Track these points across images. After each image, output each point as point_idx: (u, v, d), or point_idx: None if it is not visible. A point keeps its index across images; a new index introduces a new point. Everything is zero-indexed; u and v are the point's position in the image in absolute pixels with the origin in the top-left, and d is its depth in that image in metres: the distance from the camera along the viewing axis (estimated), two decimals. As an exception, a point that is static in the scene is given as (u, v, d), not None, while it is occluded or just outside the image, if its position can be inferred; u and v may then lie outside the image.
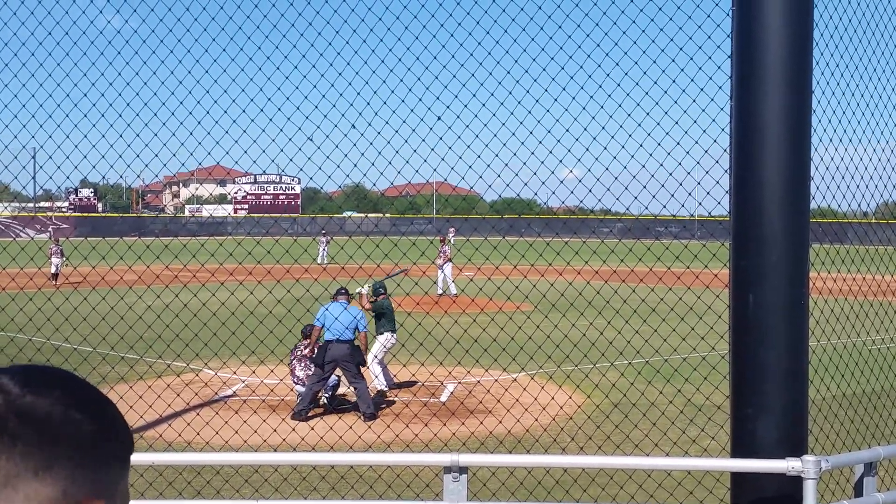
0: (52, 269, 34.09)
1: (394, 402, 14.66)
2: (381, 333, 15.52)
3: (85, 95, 7.66)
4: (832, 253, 8.94)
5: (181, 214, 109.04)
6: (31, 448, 1.14)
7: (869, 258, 8.12)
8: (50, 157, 7.87)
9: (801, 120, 4.76)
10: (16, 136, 8.23)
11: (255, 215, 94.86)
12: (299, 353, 13.93)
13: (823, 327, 8.20)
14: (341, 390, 14.30)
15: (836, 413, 7.74)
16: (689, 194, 7.10)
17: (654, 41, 6.54)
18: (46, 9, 7.37)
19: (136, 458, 5.48)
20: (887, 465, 6.34)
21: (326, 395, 13.89)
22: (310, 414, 13.26)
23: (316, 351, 13.65)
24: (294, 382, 14.02)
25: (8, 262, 7.98)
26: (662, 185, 6.86)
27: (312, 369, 13.47)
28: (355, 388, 13.59)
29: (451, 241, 37.41)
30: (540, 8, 6.80)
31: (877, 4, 6.35)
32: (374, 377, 15.20)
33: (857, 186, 6.67)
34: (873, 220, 9.73)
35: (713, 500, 8.15)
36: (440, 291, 31.29)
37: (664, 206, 7.21)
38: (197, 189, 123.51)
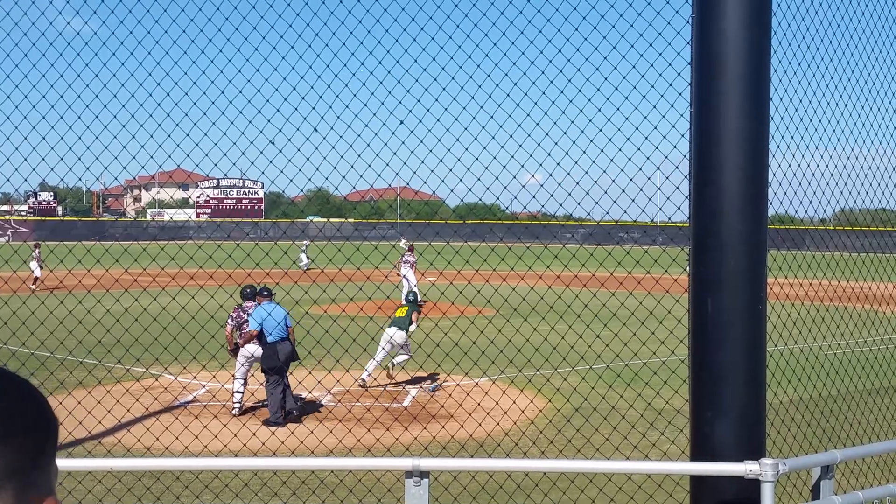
0: (36, 274, 33.98)
1: (349, 408, 14.63)
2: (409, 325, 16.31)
3: (44, 97, 7.57)
4: (790, 258, 9.06)
5: (142, 218, 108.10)
6: None
7: (825, 264, 8.24)
8: (7, 160, 7.75)
9: (760, 126, 4.81)
10: (-28, 138, 8.09)
11: (218, 219, 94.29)
12: (238, 321, 14.01)
13: (781, 332, 8.31)
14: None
15: (793, 416, 7.84)
16: (650, 199, 7.16)
17: (614, 47, 6.58)
18: (5, 9, 7.27)
19: (95, 463, 5.43)
20: (843, 467, 6.43)
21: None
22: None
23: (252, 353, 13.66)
24: (235, 378, 13.87)
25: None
26: (623, 191, 6.90)
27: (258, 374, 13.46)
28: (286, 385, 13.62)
29: (405, 247, 37.09)
30: (502, 13, 6.82)
31: (833, 14, 6.45)
32: (372, 358, 15.59)
33: (815, 193, 6.75)
34: (830, 227, 9.87)
35: (673, 504, 8.21)
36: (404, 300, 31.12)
37: (625, 212, 7.26)
38: (158, 193, 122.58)
